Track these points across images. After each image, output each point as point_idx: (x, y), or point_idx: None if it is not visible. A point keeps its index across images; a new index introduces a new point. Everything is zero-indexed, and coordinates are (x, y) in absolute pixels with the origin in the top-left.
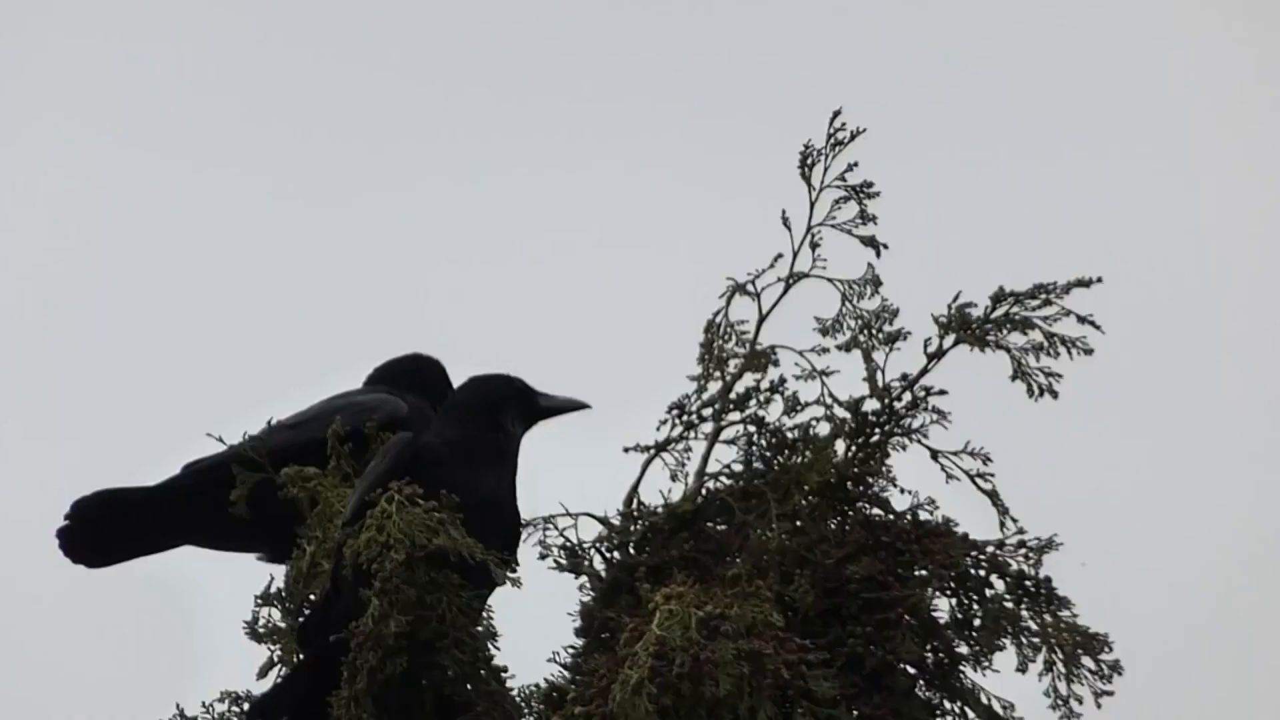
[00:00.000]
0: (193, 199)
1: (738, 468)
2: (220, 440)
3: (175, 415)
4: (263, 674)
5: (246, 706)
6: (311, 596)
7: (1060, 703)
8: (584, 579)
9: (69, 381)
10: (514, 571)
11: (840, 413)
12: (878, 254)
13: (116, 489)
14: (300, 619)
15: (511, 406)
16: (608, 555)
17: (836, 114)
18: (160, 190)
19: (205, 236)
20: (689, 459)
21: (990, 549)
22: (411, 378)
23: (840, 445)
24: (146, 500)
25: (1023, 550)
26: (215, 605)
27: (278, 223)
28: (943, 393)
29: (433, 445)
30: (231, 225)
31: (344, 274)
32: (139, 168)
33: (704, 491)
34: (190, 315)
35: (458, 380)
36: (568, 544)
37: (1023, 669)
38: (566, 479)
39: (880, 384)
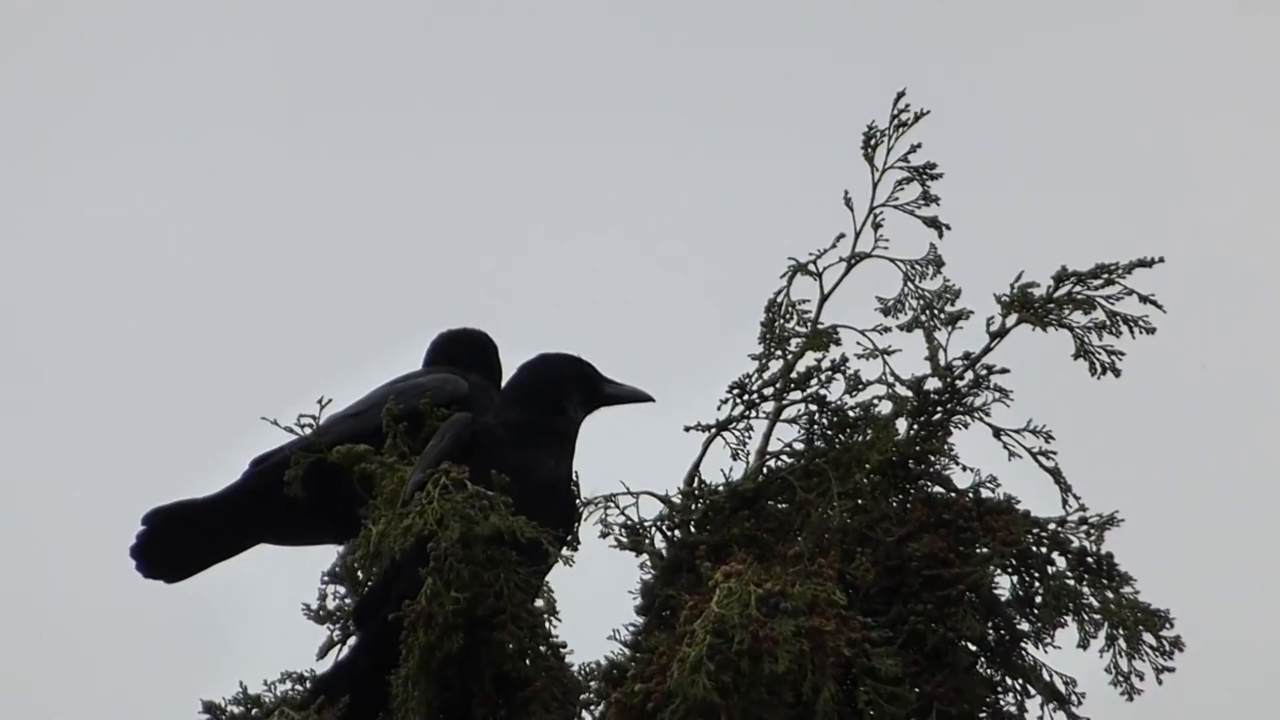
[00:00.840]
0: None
1: (799, 446)
2: (275, 424)
3: (237, 400)
4: (323, 654)
5: (308, 685)
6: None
7: (1121, 679)
8: (645, 557)
9: (126, 369)
10: (572, 550)
11: (902, 391)
12: (940, 235)
13: (186, 501)
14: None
15: (575, 390)
16: (669, 534)
17: (900, 95)
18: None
19: (259, 217)
20: (750, 438)
21: (1052, 526)
22: (473, 354)
23: (902, 424)
24: (217, 506)
25: (1084, 527)
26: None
27: (338, 202)
28: (1005, 371)
29: (491, 425)
30: (287, 207)
31: (401, 253)
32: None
33: (765, 470)
34: (250, 298)
35: (507, 358)
36: (629, 522)
37: (1084, 646)
38: (628, 457)
39: (942, 363)
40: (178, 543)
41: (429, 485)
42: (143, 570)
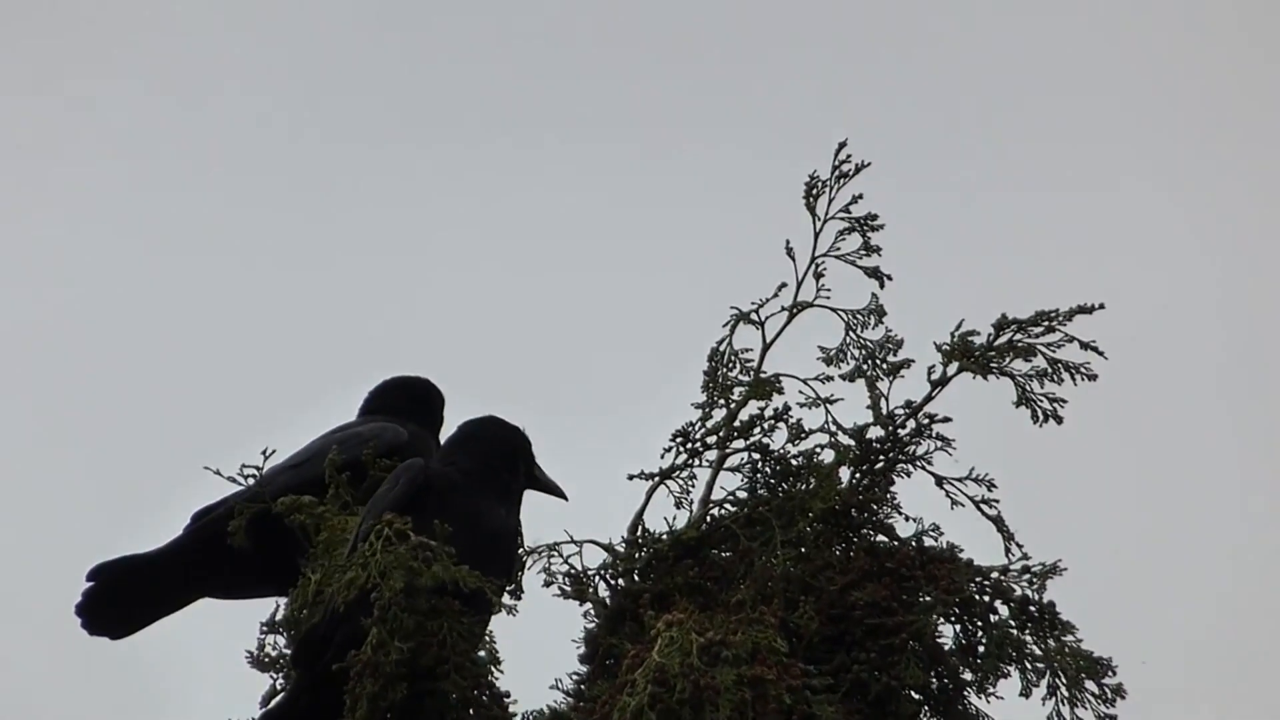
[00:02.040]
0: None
1: (742, 495)
2: (218, 473)
3: (175, 442)
4: (265, 702)
5: None
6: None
7: None
8: (588, 606)
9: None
10: (515, 599)
11: (845, 440)
12: (881, 285)
13: (130, 555)
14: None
15: (521, 459)
16: (612, 582)
17: (842, 145)
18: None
19: (191, 250)
20: (694, 486)
21: (995, 575)
22: (411, 402)
23: (845, 472)
24: (161, 561)
25: (1027, 576)
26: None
27: (260, 245)
28: (946, 420)
29: (448, 473)
30: (214, 250)
31: (332, 289)
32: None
33: (709, 518)
34: (187, 341)
35: (454, 405)
36: (572, 571)
37: (1026, 694)
38: (572, 506)
39: (884, 411)
40: (122, 598)
41: (371, 537)
42: (88, 627)
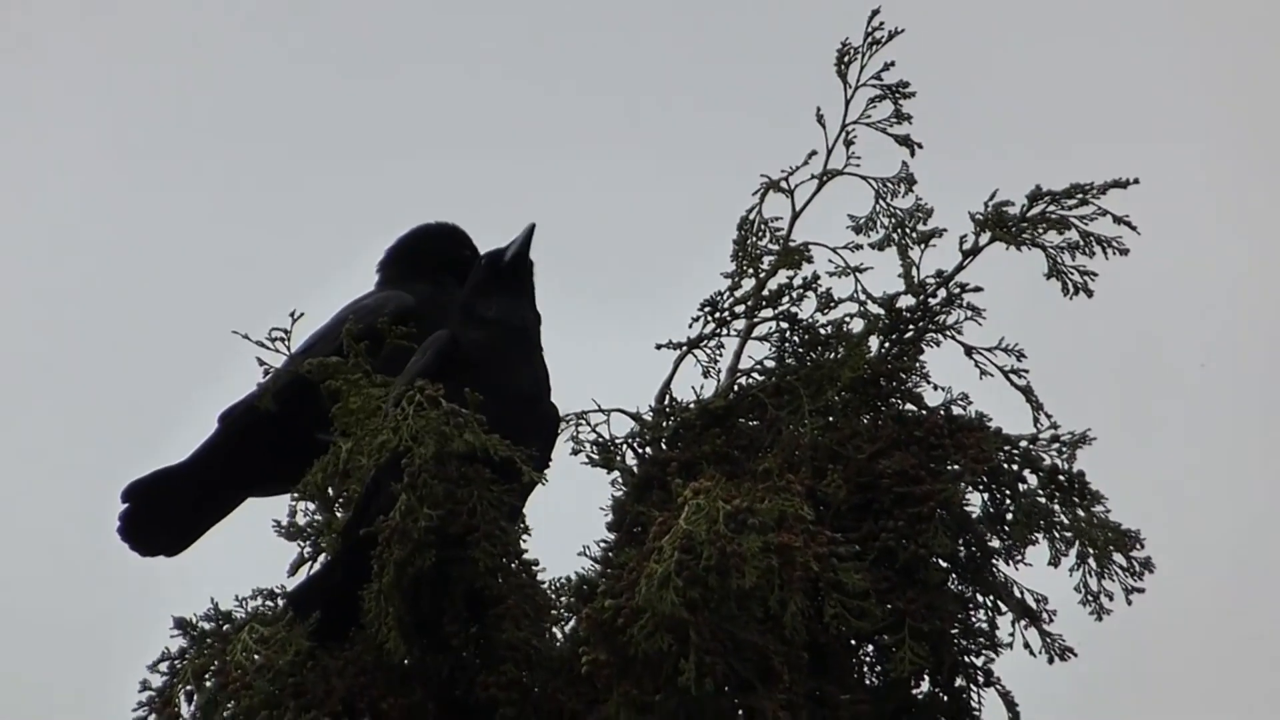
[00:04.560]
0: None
1: (770, 364)
2: (246, 338)
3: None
4: (293, 570)
5: (280, 601)
6: (346, 493)
7: (1091, 599)
8: (616, 474)
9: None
10: (546, 467)
11: (874, 309)
12: (912, 153)
13: (162, 469)
14: (339, 515)
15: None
16: (640, 451)
17: (875, 13)
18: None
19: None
20: (722, 356)
21: (1023, 444)
22: (422, 258)
23: (874, 341)
24: (194, 469)
25: (1056, 445)
26: None
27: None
28: (978, 289)
29: (476, 338)
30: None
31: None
32: None
33: (736, 388)
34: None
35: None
36: (600, 439)
37: (1055, 564)
38: (599, 375)
39: (915, 280)
40: (164, 514)
41: (403, 402)
42: (138, 550)
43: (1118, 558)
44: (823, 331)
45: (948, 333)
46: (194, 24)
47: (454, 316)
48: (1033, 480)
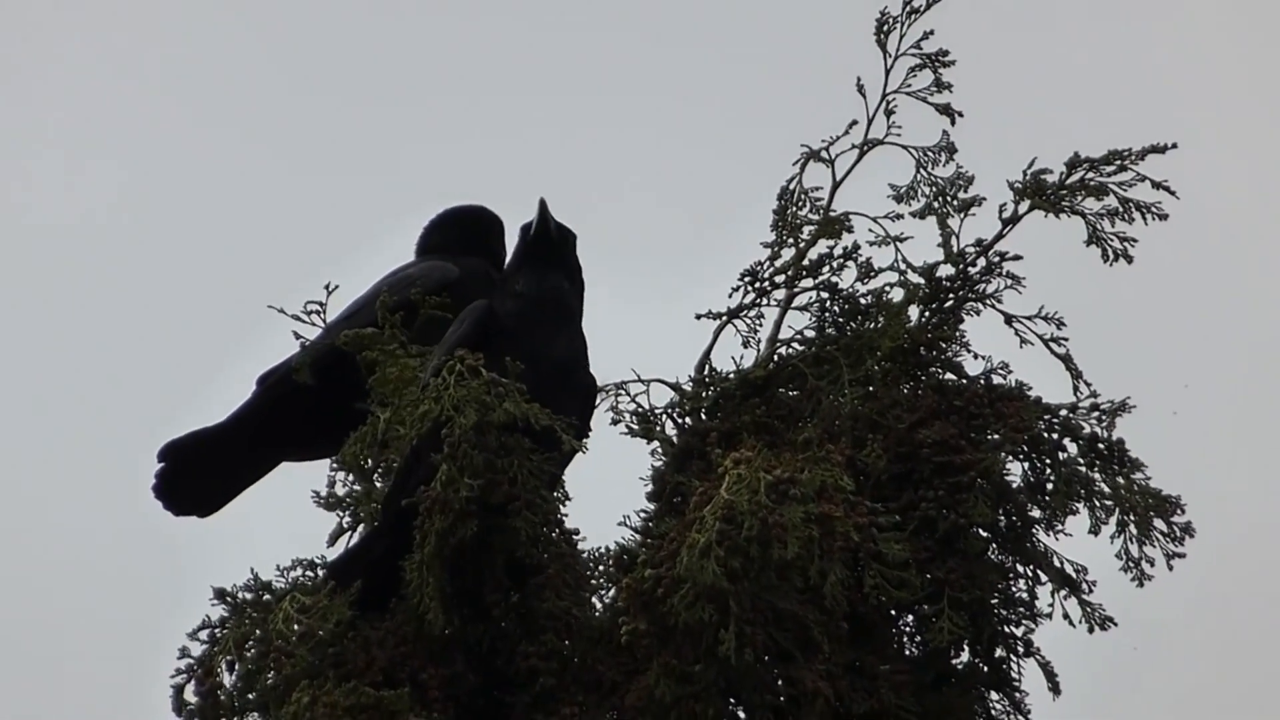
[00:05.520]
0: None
1: (810, 334)
2: (282, 311)
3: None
4: (333, 541)
5: (321, 572)
6: (385, 463)
7: (1132, 565)
8: (656, 444)
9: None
10: (585, 436)
11: (914, 278)
12: (952, 121)
13: (199, 430)
14: (378, 484)
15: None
16: (680, 421)
17: None
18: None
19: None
20: (761, 325)
21: (1063, 413)
22: (462, 235)
23: (914, 310)
24: (231, 431)
25: (1096, 413)
26: None
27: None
28: (1017, 258)
29: (510, 309)
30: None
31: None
32: None
33: (776, 358)
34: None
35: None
36: (640, 409)
37: (1095, 532)
38: (640, 345)
39: (955, 249)
40: (199, 474)
41: (444, 372)
42: (171, 509)
43: (1158, 523)
44: (863, 301)
45: (987, 301)
46: None
47: (494, 289)
48: (1073, 448)
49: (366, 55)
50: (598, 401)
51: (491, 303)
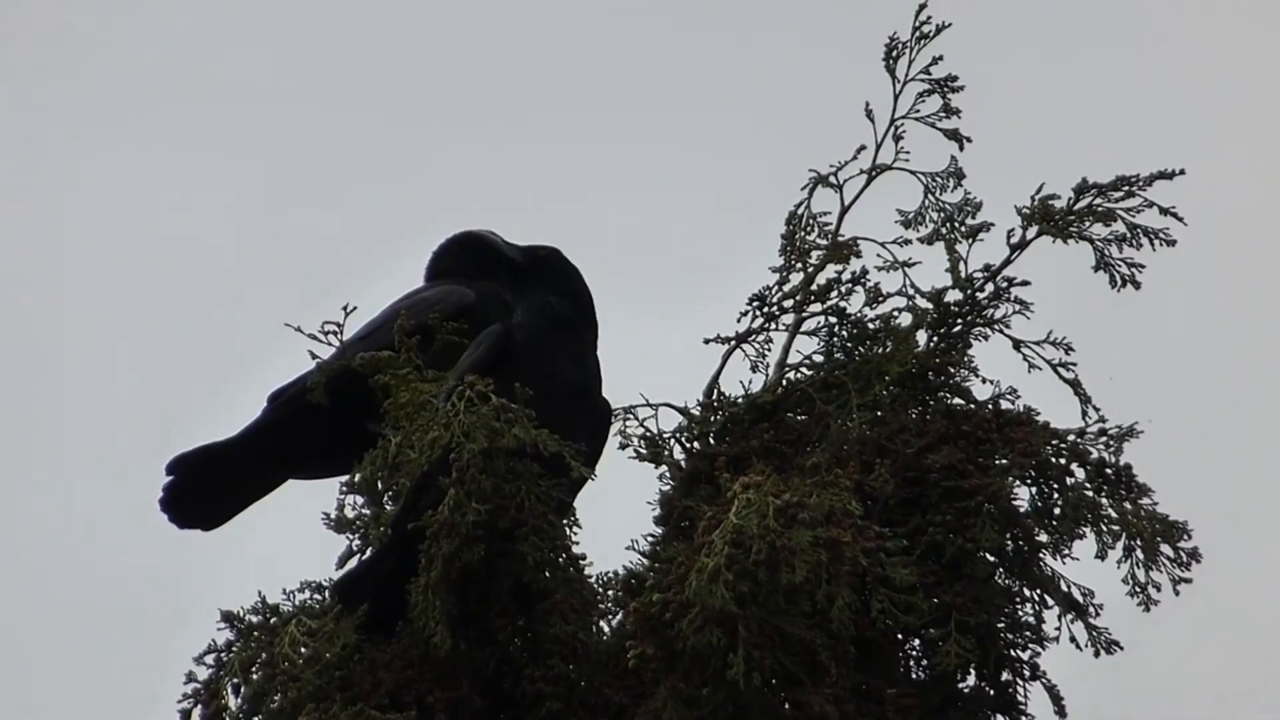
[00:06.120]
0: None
1: (818, 359)
2: (299, 330)
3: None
4: (342, 563)
5: (328, 592)
6: (395, 487)
7: (1139, 590)
8: (664, 468)
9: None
10: (596, 462)
11: (922, 303)
12: (961, 147)
13: (209, 444)
14: (388, 508)
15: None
16: (688, 445)
17: (922, 7)
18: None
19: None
20: (770, 350)
21: (1071, 437)
22: (474, 259)
23: (922, 336)
24: (240, 446)
25: (1103, 438)
26: None
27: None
28: (1025, 283)
29: (524, 335)
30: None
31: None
32: None
33: (784, 382)
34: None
35: None
36: (648, 434)
37: (1102, 557)
38: (647, 369)
39: (963, 274)
40: (205, 488)
41: (454, 398)
42: (176, 521)
43: (1165, 549)
44: (871, 326)
45: (995, 326)
46: None
47: (506, 313)
48: (1080, 473)
49: (379, 67)
50: (611, 424)
51: (509, 327)
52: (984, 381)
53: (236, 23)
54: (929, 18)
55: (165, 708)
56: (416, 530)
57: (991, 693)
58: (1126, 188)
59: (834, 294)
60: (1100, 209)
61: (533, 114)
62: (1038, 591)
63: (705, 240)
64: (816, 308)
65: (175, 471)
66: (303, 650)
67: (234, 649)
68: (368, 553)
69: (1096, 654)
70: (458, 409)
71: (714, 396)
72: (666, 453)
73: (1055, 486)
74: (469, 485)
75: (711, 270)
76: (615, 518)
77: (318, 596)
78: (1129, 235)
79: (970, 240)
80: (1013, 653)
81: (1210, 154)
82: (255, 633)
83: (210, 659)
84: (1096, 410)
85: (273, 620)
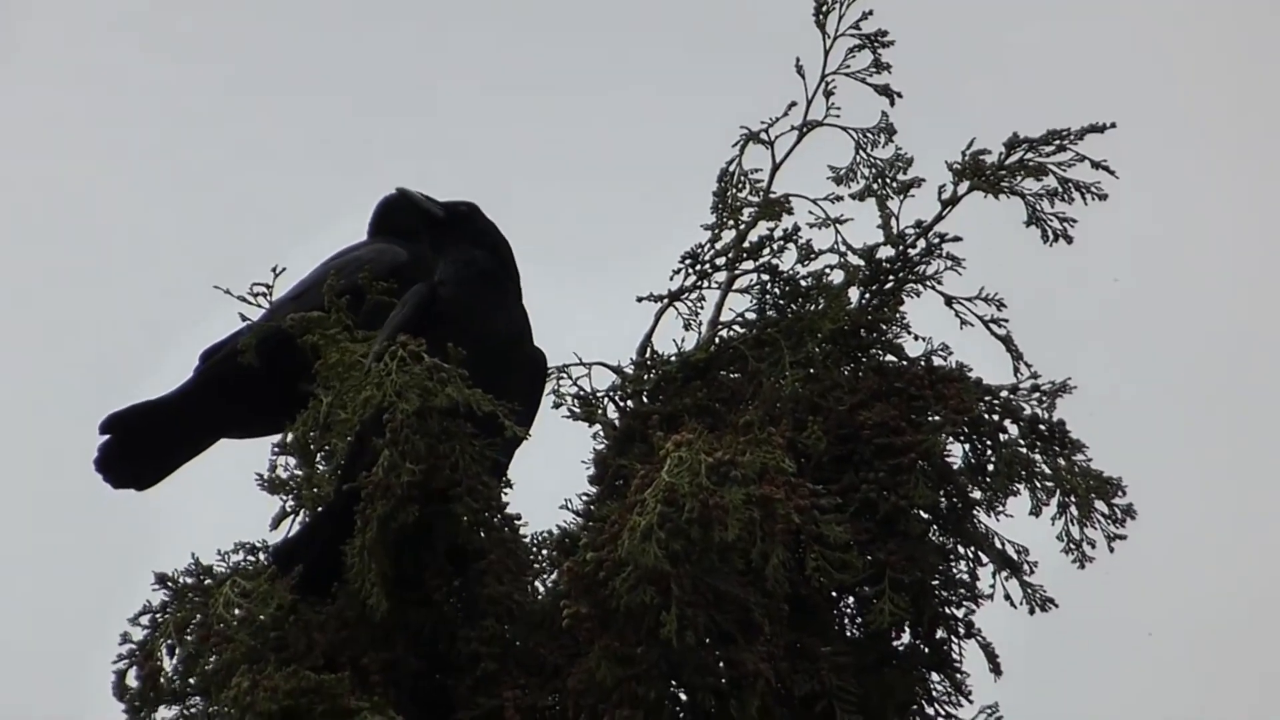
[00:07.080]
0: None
1: (751, 316)
2: (228, 293)
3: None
4: (275, 524)
5: (263, 556)
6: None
7: (1073, 547)
8: (598, 427)
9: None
10: (534, 415)
11: (854, 260)
12: (891, 102)
13: (143, 403)
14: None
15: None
16: (621, 404)
17: None
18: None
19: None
20: (702, 308)
21: (1004, 394)
22: (412, 219)
23: (854, 292)
24: (174, 405)
25: (1036, 395)
26: None
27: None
28: (957, 239)
29: (449, 291)
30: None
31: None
32: None
33: (717, 340)
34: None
35: None
36: (581, 393)
37: (1036, 513)
38: (581, 329)
39: (894, 231)
40: (139, 447)
41: (385, 358)
42: (111, 481)
43: (1099, 505)
44: (803, 283)
45: (927, 283)
46: None
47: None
48: (1013, 430)
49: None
50: (547, 374)
51: (434, 285)
52: (916, 338)
53: None
54: None
55: (101, 669)
56: (351, 491)
57: (926, 650)
58: (1058, 141)
59: (766, 251)
60: (1031, 163)
61: (472, 71)
62: (972, 549)
63: (637, 199)
64: (749, 265)
65: (110, 430)
66: (237, 611)
67: (169, 610)
68: (303, 516)
69: (1031, 611)
70: (390, 369)
71: (647, 355)
72: (600, 411)
73: (988, 443)
74: (403, 446)
75: (644, 228)
76: (549, 477)
77: (252, 558)
78: (1060, 189)
79: (902, 196)
80: (947, 610)
81: (1145, 107)
82: (190, 594)
83: (145, 620)
84: (1029, 366)
85: (207, 581)
